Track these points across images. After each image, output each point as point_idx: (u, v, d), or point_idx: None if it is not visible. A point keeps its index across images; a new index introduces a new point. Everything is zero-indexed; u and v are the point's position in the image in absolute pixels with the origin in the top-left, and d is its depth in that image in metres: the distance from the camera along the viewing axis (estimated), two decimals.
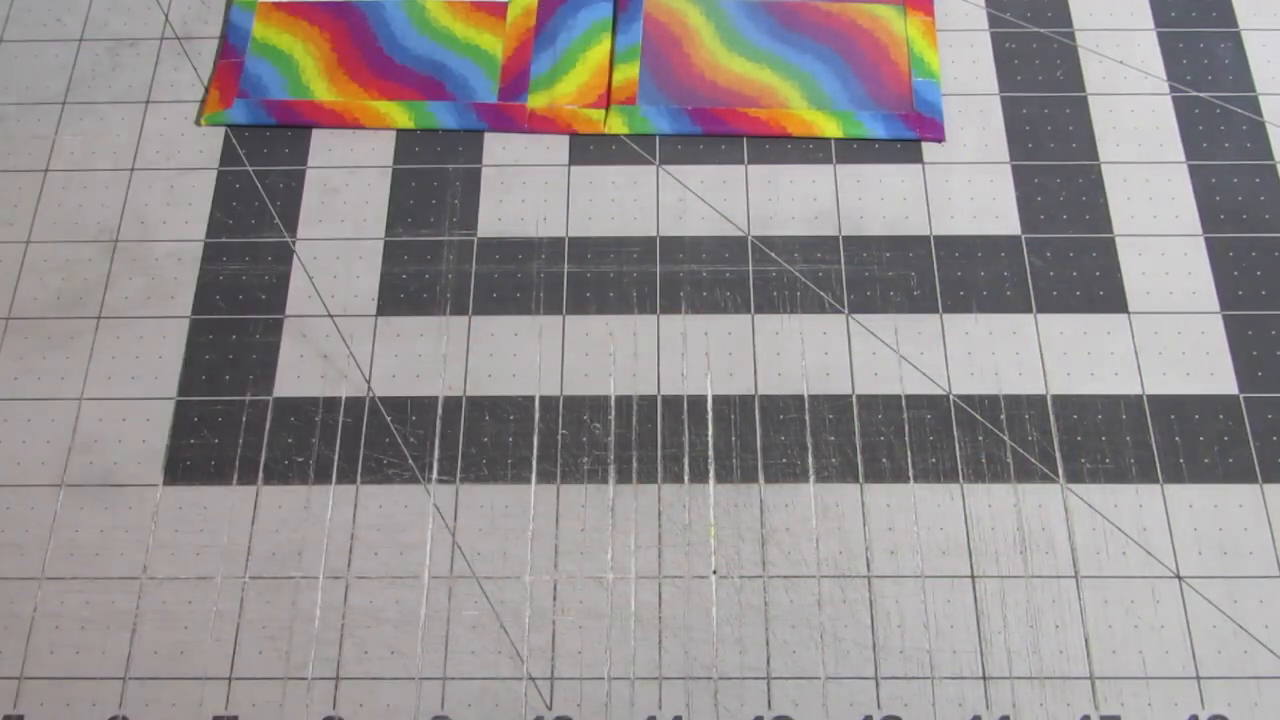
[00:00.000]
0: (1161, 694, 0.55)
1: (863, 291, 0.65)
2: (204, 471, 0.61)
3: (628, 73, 0.71)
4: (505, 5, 0.73)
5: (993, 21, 0.73)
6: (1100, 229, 0.66)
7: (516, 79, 0.71)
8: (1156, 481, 0.60)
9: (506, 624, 0.57)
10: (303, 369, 0.63)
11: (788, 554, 0.58)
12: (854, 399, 0.62)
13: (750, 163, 0.68)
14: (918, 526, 0.59)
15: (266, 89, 0.71)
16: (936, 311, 0.64)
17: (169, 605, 0.58)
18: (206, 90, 0.72)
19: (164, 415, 0.62)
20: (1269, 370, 0.62)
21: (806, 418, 0.61)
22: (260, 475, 0.60)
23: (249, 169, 0.69)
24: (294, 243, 0.67)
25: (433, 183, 0.68)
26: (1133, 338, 0.63)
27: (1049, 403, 0.62)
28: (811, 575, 0.58)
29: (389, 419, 0.62)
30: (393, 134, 0.70)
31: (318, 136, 0.70)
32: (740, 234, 0.66)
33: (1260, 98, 0.70)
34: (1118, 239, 0.66)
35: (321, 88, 0.71)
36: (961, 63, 0.72)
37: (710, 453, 0.61)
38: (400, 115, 0.70)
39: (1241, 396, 0.62)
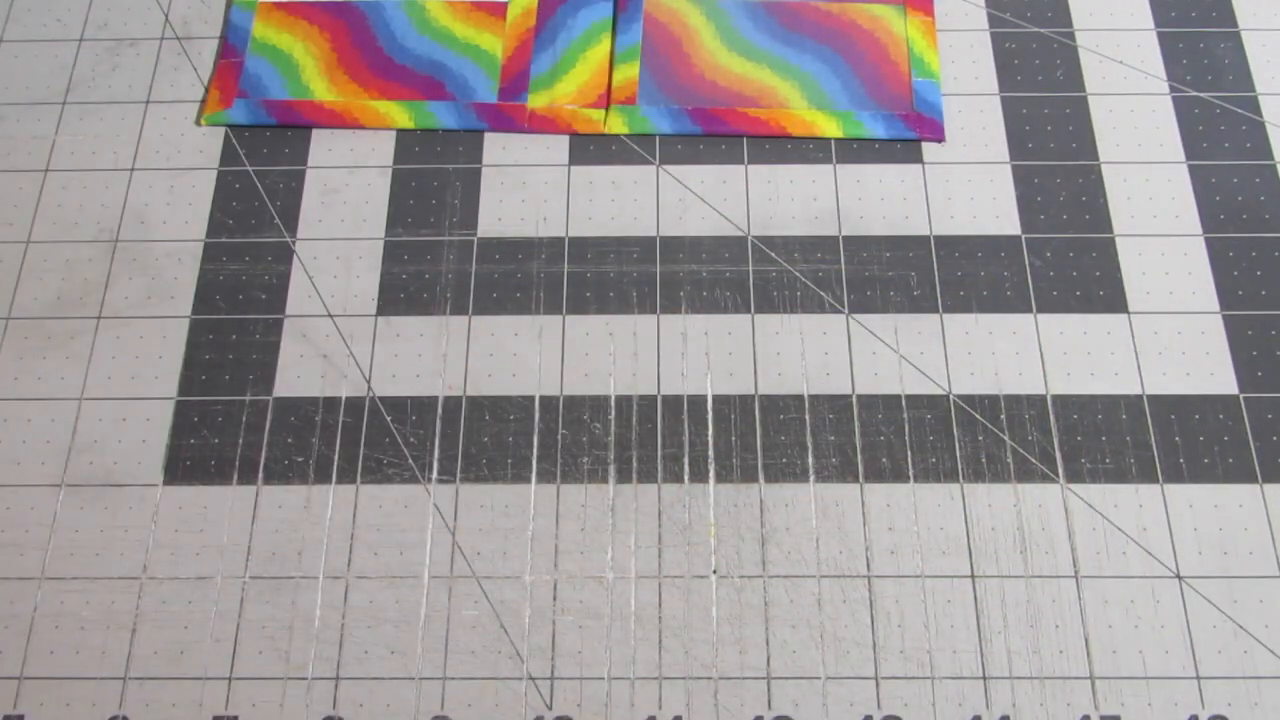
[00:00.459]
0: (1161, 694, 0.55)
1: (863, 291, 0.65)
2: (204, 471, 0.61)
3: (628, 73, 0.71)
4: (505, 5, 0.73)
5: (993, 21, 0.73)
6: (1100, 229, 0.66)
7: (516, 79, 0.71)
8: (1156, 481, 0.60)
9: (506, 624, 0.57)
10: (303, 369, 0.63)
11: (788, 554, 0.58)
12: (854, 399, 0.62)
13: (750, 163, 0.68)
14: (918, 526, 0.59)
15: (266, 89, 0.71)
16: (936, 311, 0.64)
17: (169, 605, 0.58)
18: (206, 90, 0.72)
19: (164, 415, 0.62)
20: (1269, 370, 0.62)
21: (806, 417, 0.61)
22: (260, 475, 0.60)
23: (249, 169, 0.69)
24: (294, 243, 0.67)
25: (433, 183, 0.68)
26: (1133, 338, 0.63)
27: (1049, 403, 0.62)
28: (811, 575, 0.58)
29: (389, 419, 0.62)
30: (393, 134, 0.70)
31: (318, 136, 0.70)
32: (740, 234, 0.66)
33: (1260, 98, 0.70)
34: (1118, 239, 0.66)
35: (321, 87, 0.71)
36: (961, 63, 0.72)
37: (710, 452, 0.61)
38: (400, 115, 0.70)
39: (1241, 396, 0.62)
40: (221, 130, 0.70)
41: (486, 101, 0.70)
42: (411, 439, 0.61)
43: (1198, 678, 0.56)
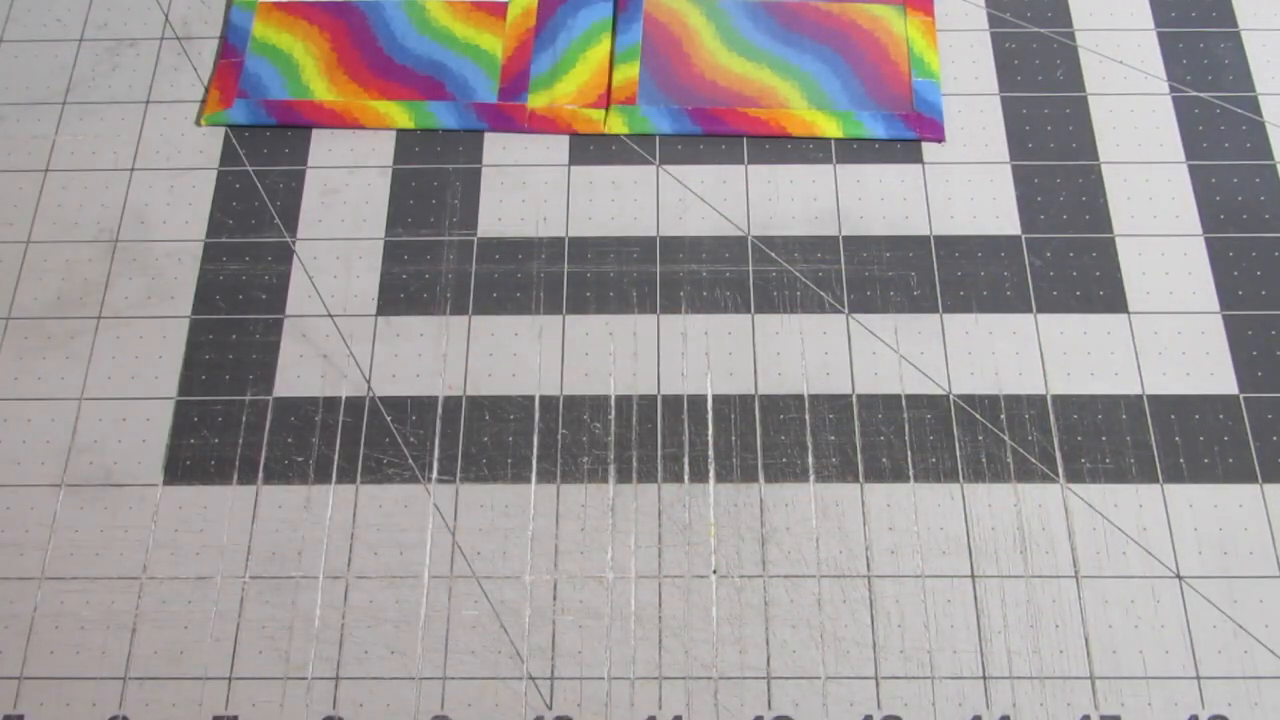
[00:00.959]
0: (1161, 694, 0.55)
1: (863, 291, 0.65)
2: (204, 471, 0.61)
3: (628, 73, 0.71)
4: (505, 5, 0.73)
5: (993, 21, 0.73)
6: (1100, 229, 0.66)
7: (516, 79, 0.71)
8: (1156, 481, 0.60)
9: (506, 624, 0.57)
10: (303, 369, 0.63)
11: (788, 554, 0.58)
12: (854, 399, 0.62)
13: (750, 163, 0.68)
14: (918, 526, 0.59)
15: (266, 89, 0.71)
16: (936, 311, 0.64)
17: (169, 605, 0.58)
18: (206, 90, 0.72)
19: (164, 415, 0.62)
20: (1269, 370, 0.62)
21: (806, 417, 0.61)
22: (260, 475, 0.60)
23: (249, 169, 0.69)
24: (294, 243, 0.67)
25: (433, 183, 0.68)
26: (1133, 338, 0.63)
27: (1049, 403, 0.62)
28: (811, 575, 0.58)
29: (389, 419, 0.62)
30: (393, 134, 0.70)
31: (318, 136, 0.70)
32: (740, 234, 0.66)
33: (1260, 98, 0.70)
34: (1118, 239, 0.66)
35: (321, 87, 0.71)
36: (961, 63, 0.72)
37: (710, 452, 0.61)
38: (400, 115, 0.70)
39: (1241, 396, 0.62)
40: (221, 130, 0.70)
41: (486, 101, 0.70)
42: (411, 439, 0.61)
43: (1198, 678, 0.56)
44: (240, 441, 0.61)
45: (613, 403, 0.62)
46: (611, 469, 0.60)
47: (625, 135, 0.69)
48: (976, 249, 0.66)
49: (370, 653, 0.57)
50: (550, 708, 0.55)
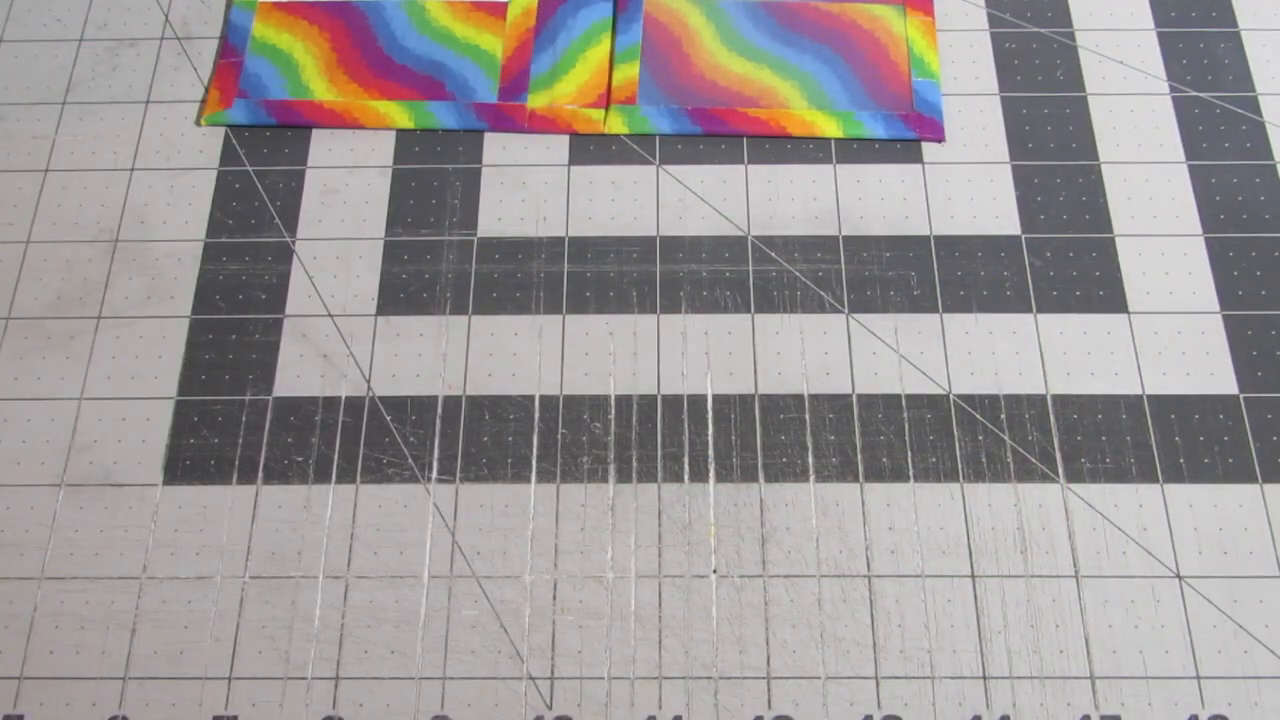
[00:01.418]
0: (1161, 694, 0.55)
1: (863, 291, 0.65)
2: (204, 471, 0.60)
3: (628, 73, 0.71)
4: (505, 5, 0.73)
5: (993, 21, 0.73)
6: (1100, 229, 0.66)
7: (516, 79, 0.71)
8: (1156, 481, 0.60)
9: (506, 623, 0.57)
10: (303, 369, 0.63)
11: (788, 553, 0.58)
12: (854, 398, 0.62)
13: (750, 163, 0.68)
14: (918, 526, 0.59)
15: (266, 89, 0.71)
16: (936, 311, 0.64)
17: (169, 605, 0.58)
18: (206, 90, 0.72)
19: (164, 415, 0.62)
20: (1269, 370, 0.62)
21: (806, 417, 0.61)
22: (260, 475, 0.60)
23: (249, 169, 0.69)
24: (294, 243, 0.67)
25: (433, 183, 0.68)
26: (1133, 338, 0.63)
27: (1049, 402, 0.62)
28: (811, 575, 0.58)
29: (389, 418, 0.62)
30: (393, 134, 0.70)
31: (318, 136, 0.70)
32: (740, 234, 0.66)
33: (1260, 98, 0.70)
34: (1118, 239, 0.66)
35: (321, 87, 0.71)
36: (961, 63, 0.72)
37: (710, 452, 0.61)
38: (400, 115, 0.70)
39: (1241, 396, 0.62)
40: (221, 130, 0.70)
41: (486, 101, 0.70)
42: (411, 439, 0.61)
43: (1198, 678, 0.56)
44: (240, 441, 0.61)
45: (613, 402, 0.62)
46: (611, 469, 0.60)
47: (625, 135, 0.69)
48: (976, 249, 0.66)
49: (370, 653, 0.57)
50: (550, 708, 0.55)
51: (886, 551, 0.58)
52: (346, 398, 0.62)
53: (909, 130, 0.69)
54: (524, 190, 0.68)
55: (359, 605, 0.57)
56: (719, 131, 0.69)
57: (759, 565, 0.58)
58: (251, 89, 0.71)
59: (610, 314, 0.64)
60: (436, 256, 0.66)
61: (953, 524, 0.59)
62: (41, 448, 0.61)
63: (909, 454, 0.61)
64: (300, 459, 0.61)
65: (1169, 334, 0.63)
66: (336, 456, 0.61)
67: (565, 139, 0.69)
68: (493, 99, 0.70)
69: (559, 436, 0.61)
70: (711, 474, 0.60)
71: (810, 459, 0.60)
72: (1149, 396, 0.62)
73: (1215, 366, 0.62)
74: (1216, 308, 0.64)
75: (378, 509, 0.60)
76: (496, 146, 0.69)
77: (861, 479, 0.60)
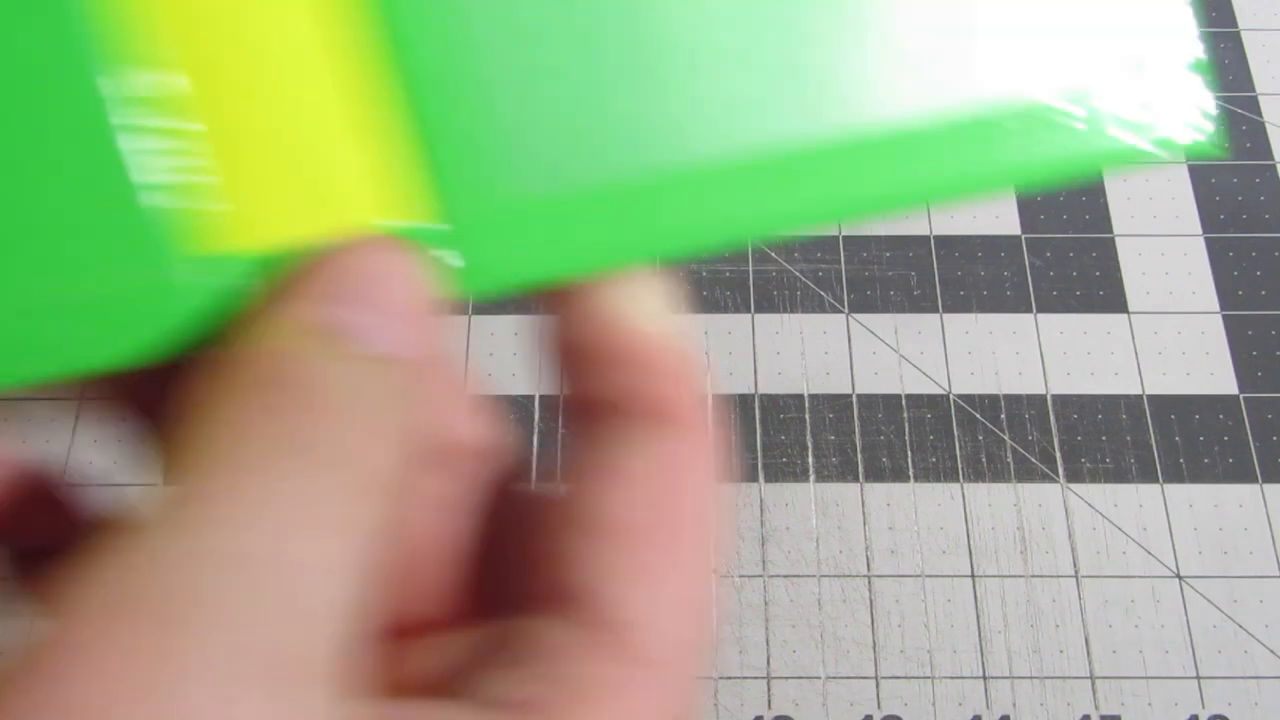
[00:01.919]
0: (1161, 694, 0.55)
1: (863, 291, 0.65)
2: None
3: None
4: None
5: None
6: (1100, 229, 0.66)
7: None
8: (1157, 481, 0.60)
9: None
10: None
11: (788, 553, 0.58)
12: (854, 398, 0.62)
13: None
14: (918, 526, 0.59)
15: None
16: (936, 311, 0.64)
17: None
18: None
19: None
20: (1269, 370, 0.62)
21: (806, 417, 0.61)
22: None
23: None
24: None
25: None
26: (1133, 338, 0.63)
27: (1049, 402, 0.62)
28: (811, 575, 0.58)
29: None
30: None
31: None
32: None
33: (1260, 98, 0.70)
34: (1118, 239, 0.66)
35: None
36: None
37: None
38: None
39: (1241, 396, 0.62)
40: None
41: None
42: None
43: (1198, 677, 0.56)
44: None
45: None
46: None
47: None
48: (976, 249, 0.66)
49: None
50: None
51: (886, 551, 0.58)
52: None
53: None
54: None
55: None
56: None
57: (759, 565, 0.58)
58: None
59: None
60: None
61: (953, 524, 0.59)
62: (41, 447, 0.61)
63: (909, 454, 0.61)
64: None
65: (1169, 334, 0.63)
66: None
67: None
68: None
69: (559, 437, 0.61)
70: None
71: (810, 459, 0.60)
72: (1149, 396, 0.62)
73: (1215, 366, 0.62)
74: (1216, 308, 0.64)
75: None
76: None
77: (861, 479, 0.60)
